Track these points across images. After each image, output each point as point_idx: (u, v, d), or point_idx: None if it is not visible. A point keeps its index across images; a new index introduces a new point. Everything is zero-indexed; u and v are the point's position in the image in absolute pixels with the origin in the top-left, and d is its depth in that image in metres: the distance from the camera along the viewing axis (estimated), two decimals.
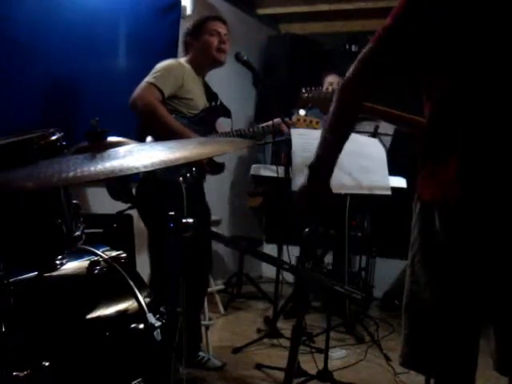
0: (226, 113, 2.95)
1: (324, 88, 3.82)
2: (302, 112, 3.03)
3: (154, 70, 2.75)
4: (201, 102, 2.87)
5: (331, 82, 4.20)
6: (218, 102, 2.97)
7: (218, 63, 2.92)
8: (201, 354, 2.98)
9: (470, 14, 1.40)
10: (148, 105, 2.64)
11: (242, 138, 2.93)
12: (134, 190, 2.67)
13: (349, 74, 1.55)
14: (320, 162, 1.67)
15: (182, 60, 2.91)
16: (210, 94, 2.97)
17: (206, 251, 2.96)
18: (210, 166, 2.84)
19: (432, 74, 1.49)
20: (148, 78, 2.71)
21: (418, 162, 1.53)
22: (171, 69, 2.76)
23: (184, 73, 2.79)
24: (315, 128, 3.07)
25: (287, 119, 2.99)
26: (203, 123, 2.85)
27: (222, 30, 2.88)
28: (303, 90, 2.30)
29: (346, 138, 1.64)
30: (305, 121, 3.03)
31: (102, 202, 3.27)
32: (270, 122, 2.97)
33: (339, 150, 1.65)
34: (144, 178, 2.72)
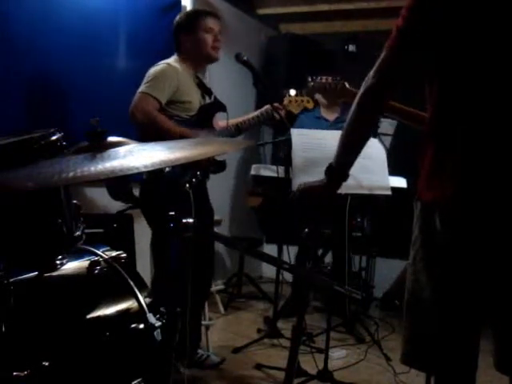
0: (222, 107, 2.94)
1: None
2: (292, 92, 3.01)
3: (147, 78, 2.72)
4: (197, 101, 2.86)
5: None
6: (213, 98, 2.96)
7: (212, 60, 2.91)
8: (200, 351, 2.98)
9: (468, 14, 1.41)
10: (147, 115, 2.64)
11: (240, 135, 2.95)
12: (137, 190, 2.67)
13: (370, 78, 1.54)
14: (339, 164, 1.68)
15: (173, 60, 2.86)
16: (205, 90, 2.96)
17: (209, 252, 2.96)
18: (211, 164, 2.84)
19: (433, 74, 1.50)
20: (142, 88, 2.68)
21: (418, 161, 1.53)
22: (165, 75, 2.73)
23: (178, 76, 2.76)
24: (307, 107, 3.05)
25: (277, 104, 2.98)
26: (200, 122, 2.84)
27: (216, 26, 2.86)
28: (309, 79, 2.30)
29: (366, 140, 1.65)
30: (296, 101, 3.02)
31: (102, 202, 3.29)
32: (262, 109, 2.97)
33: (359, 152, 1.66)
34: (148, 179, 2.71)
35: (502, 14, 1.39)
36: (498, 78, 1.41)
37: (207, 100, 2.94)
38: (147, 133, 2.65)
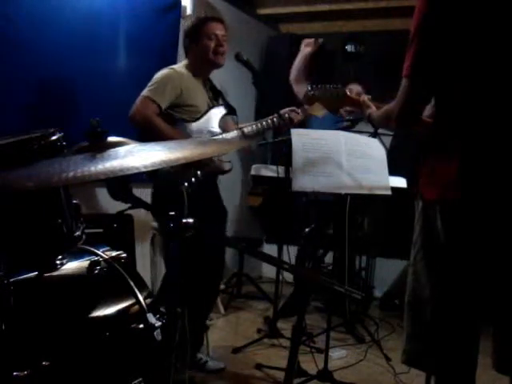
0: (231, 111, 2.95)
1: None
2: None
3: (151, 82, 2.77)
4: (203, 105, 2.87)
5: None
6: (221, 101, 2.97)
7: (216, 66, 2.92)
8: (199, 355, 2.97)
9: (465, 21, 1.42)
10: (145, 119, 2.68)
11: (255, 136, 2.95)
12: (137, 191, 2.69)
13: (397, 107, 1.56)
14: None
15: (180, 66, 2.91)
16: (215, 93, 2.97)
17: (219, 253, 2.97)
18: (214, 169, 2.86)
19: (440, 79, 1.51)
20: (145, 91, 2.73)
21: (419, 160, 1.54)
22: (168, 80, 2.76)
23: (182, 81, 2.79)
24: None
25: (294, 108, 2.99)
26: (204, 125, 2.84)
27: (220, 31, 2.87)
28: (309, 88, 2.28)
29: None
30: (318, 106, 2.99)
31: (102, 202, 3.29)
32: (274, 116, 2.96)
33: None
34: (157, 185, 2.75)
35: (505, 22, 1.40)
36: (503, 83, 1.42)
37: (218, 103, 2.95)
38: (146, 136, 2.66)
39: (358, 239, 4.08)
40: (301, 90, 3.98)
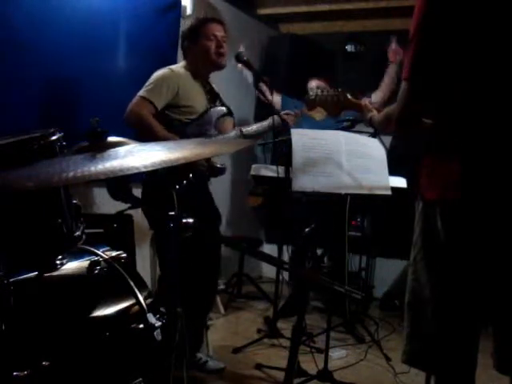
0: (228, 112, 2.94)
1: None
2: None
3: (148, 82, 2.76)
4: (201, 106, 2.85)
5: (313, 86, 4.16)
6: (218, 103, 2.96)
7: (218, 67, 2.91)
8: (199, 355, 2.97)
9: (465, 21, 1.42)
10: (140, 119, 2.67)
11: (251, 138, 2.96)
12: (138, 191, 2.67)
13: (397, 110, 1.56)
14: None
15: (179, 66, 2.89)
16: (213, 95, 2.96)
17: (215, 254, 2.96)
18: (209, 170, 2.83)
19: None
20: (141, 92, 2.72)
21: (419, 161, 1.54)
22: (164, 80, 2.75)
23: (179, 81, 2.78)
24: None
25: (288, 111, 3.03)
26: (201, 126, 2.84)
27: (220, 32, 2.86)
28: (310, 93, 2.29)
29: None
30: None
31: (102, 202, 3.29)
32: (275, 117, 2.98)
33: None
34: (146, 182, 2.72)
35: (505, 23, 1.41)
36: (501, 81, 1.42)
37: (215, 105, 2.95)
38: (140, 136, 2.65)
39: (358, 239, 4.08)
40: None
